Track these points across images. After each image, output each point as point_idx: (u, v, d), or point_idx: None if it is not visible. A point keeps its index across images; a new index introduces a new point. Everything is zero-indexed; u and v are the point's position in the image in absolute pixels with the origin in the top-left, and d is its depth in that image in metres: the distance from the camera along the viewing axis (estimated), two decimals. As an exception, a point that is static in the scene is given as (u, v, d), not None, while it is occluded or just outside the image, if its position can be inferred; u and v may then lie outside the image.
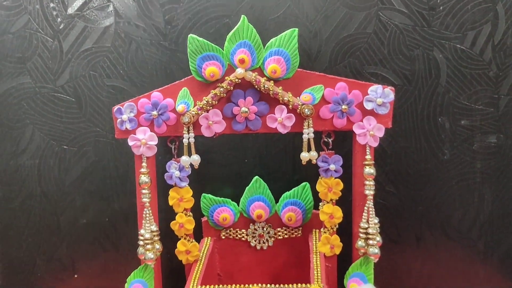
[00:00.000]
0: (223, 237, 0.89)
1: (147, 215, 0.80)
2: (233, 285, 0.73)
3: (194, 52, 0.76)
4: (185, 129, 0.78)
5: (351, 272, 0.81)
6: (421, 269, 0.93)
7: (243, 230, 0.89)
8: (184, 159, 0.80)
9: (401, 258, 0.93)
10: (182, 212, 0.83)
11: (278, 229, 0.89)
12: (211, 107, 0.78)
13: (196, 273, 0.79)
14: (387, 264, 0.92)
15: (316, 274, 0.75)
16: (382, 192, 0.90)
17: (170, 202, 0.82)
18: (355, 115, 0.78)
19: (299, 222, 0.87)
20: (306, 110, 0.76)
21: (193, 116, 0.77)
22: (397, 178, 0.90)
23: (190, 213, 0.83)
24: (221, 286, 0.74)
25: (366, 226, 0.80)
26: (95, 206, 0.92)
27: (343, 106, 0.77)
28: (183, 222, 0.82)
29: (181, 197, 0.82)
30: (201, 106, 0.77)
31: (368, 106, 0.77)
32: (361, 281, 0.80)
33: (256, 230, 0.89)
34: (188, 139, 0.79)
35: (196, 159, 0.80)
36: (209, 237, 0.89)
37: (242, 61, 0.75)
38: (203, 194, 0.88)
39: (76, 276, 0.94)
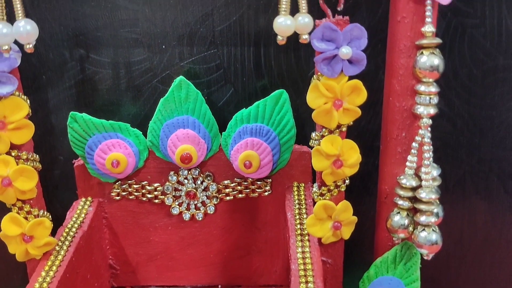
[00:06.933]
0: (117, 197, 0.45)
1: None
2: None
3: None
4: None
5: (374, 275, 0.39)
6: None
7: (155, 185, 0.45)
8: None
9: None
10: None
11: (226, 182, 0.45)
12: None
13: (49, 269, 0.36)
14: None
15: (303, 280, 0.34)
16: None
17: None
18: None
19: (265, 169, 0.44)
20: None
21: None
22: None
23: (33, 155, 0.39)
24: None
25: (413, 183, 0.37)
26: None
27: None
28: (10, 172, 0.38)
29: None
30: None
31: None
32: (395, 295, 0.38)
33: (182, 184, 0.45)
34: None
35: (29, 29, 0.34)
36: (89, 198, 0.45)
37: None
38: (73, 113, 0.43)
39: None
